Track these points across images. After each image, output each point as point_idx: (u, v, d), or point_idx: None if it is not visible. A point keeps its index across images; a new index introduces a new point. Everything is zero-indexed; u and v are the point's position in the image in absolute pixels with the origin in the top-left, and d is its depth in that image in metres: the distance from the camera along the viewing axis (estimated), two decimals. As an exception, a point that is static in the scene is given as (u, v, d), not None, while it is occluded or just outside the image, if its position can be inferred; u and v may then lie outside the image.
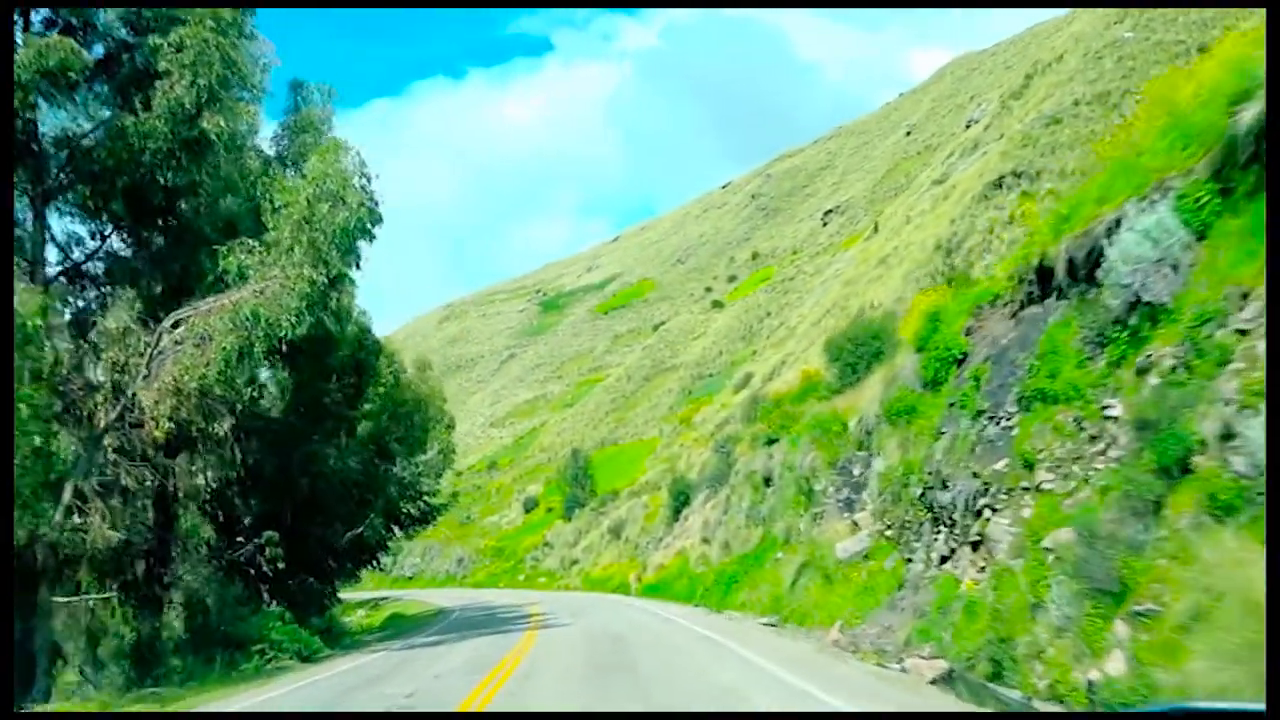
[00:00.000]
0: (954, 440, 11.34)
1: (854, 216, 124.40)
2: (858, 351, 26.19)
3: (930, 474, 11.96)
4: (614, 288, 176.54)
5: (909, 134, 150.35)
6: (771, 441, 26.25)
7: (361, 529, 25.58)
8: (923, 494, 12.13)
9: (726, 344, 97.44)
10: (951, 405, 11.96)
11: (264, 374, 15.35)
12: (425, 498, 31.30)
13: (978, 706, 8.79)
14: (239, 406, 14.56)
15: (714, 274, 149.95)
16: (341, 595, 76.69)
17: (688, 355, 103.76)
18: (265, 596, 19.74)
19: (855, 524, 16.92)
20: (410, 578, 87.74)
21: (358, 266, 15.78)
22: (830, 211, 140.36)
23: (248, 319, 12.96)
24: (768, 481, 25.81)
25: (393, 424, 24.45)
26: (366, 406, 23.41)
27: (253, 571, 19.27)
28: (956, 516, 10.93)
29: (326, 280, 14.30)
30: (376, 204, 15.22)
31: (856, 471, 18.59)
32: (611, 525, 52.76)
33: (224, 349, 13.35)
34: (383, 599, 63.98)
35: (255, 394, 14.50)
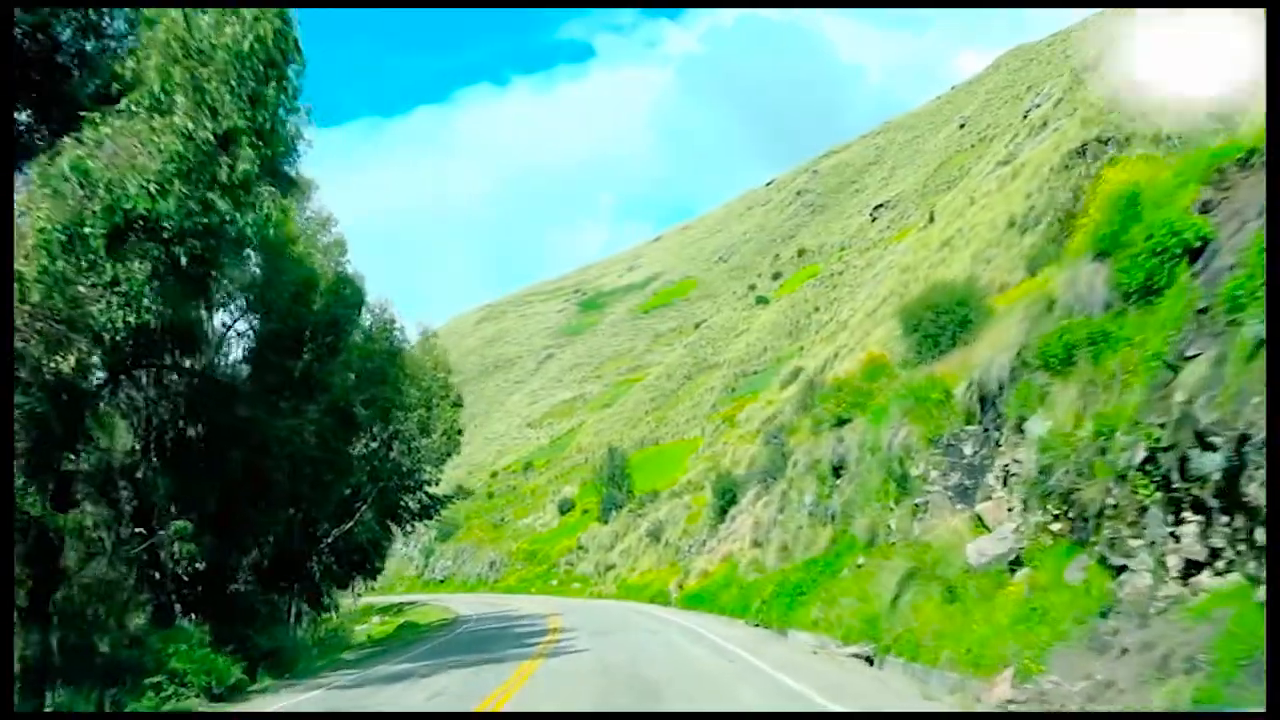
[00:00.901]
0: (1218, 365, 6.68)
1: (904, 211, 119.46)
2: (940, 320, 21.56)
3: (1162, 426, 7.26)
4: (655, 286, 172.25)
5: (962, 127, 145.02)
6: (842, 423, 21.52)
7: (351, 524, 21.28)
8: (1148, 461, 7.42)
9: (771, 340, 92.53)
10: (1203, 312, 7.27)
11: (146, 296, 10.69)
12: (425, 488, 26.96)
13: None
14: (114, 335, 10.17)
15: (758, 271, 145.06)
16: (365, 599, 72.77)
17: (731, 352, 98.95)
18: (178, 608, 15.33)
19: (978, 518, 12.25)
20: (441, 581, 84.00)
21: (275, 127, 11.35)
22: (880, 206, 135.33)
23: (80, 182, 8.60)
24: (837, 471, 21.13)
25: (371, 387, 19.64)
26: (340, 375, 18.57)
27: (157, 575, 14.92)
28: (1221, 497, 6.26)
29: (214, 137, 10.14)
30: (291, 24, 10.70)
31: (969, 451, 13.94)
32: (650, 528, 48.22)
33: (42, 231, 9.24)
34: (409, 603, 60.07)
35: (132, 317, 10.06)
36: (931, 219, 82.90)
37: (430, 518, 30.39)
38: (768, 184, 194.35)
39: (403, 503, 25.84)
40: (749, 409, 70.37)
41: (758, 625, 19.83)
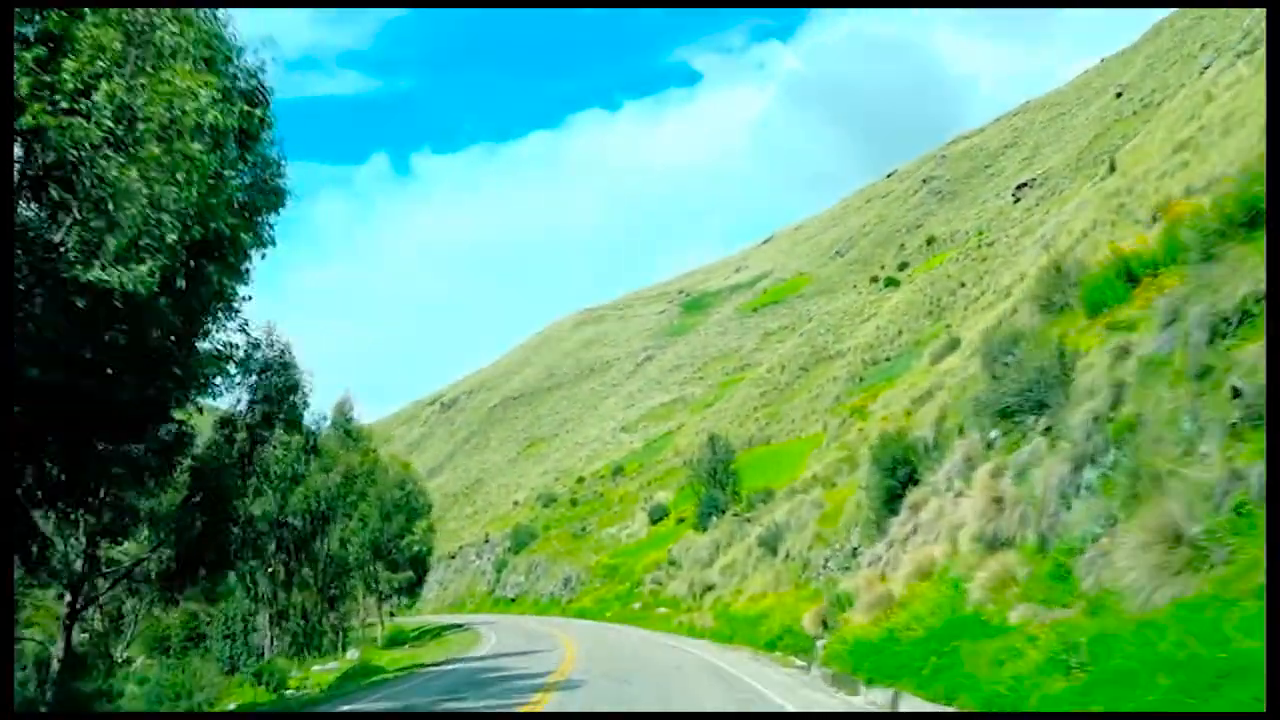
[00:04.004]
0: None
1: (1055, 187, 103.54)
2: None
3: None
4: (764, 284, 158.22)
5: (1119, 95, 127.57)
6: None
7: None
8: None
9: (907, 322, 77.73)
10: None
11: None
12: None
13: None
14: None
15: (880, 263, 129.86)
16: (413, 618, 60.70)
17: (855, 339, 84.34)
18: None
19: None
20: (512, 600, 71.78)
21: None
22: (1023, 186, 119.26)
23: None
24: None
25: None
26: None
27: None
28: None
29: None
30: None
31: None
32: (764, 534, 34.65)
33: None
34: (459, 626, 47.96)
35: None
36: (1112, 168, 67.69)
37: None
38: (888, 175, 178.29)
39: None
40: (885, 396, 56.33)
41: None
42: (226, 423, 18.23)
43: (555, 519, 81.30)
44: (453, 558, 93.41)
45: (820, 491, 35.23)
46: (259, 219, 14.77)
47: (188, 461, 16.82)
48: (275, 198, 14.99)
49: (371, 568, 45.31)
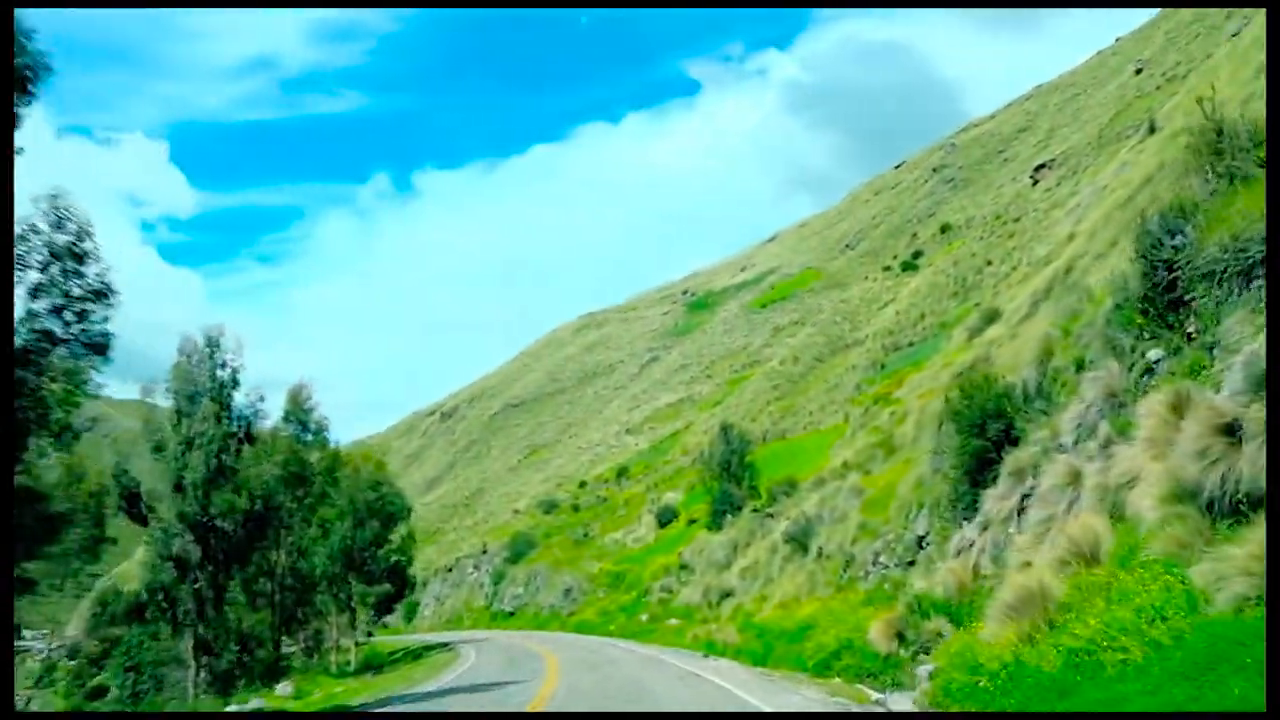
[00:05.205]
0: None
1: (1077, 165, 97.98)
2: None
3: None
4: (772, 280, 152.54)
5: (1139, 72, 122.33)
6: None
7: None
8: None
9: (930, 304, 72.15)
10: None
11: None
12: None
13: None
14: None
15: (893, 253, 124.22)
16: (401, 637, 55.18)
17: (873, 326, 78.72)
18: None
19: None
20: (511, 614, 66.09)
21: None
22: (1041, 167, 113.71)
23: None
24: None
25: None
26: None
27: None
28: None
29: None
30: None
31: None
32: (793, 529, 29.08)
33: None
34: (444, 645, 42.35)
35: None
36: (1152, 130, 62.36)
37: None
38: (896, 167, 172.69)
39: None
40: (911, 382, 50.90)
41: None
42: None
43: (556, 526, 75.70)
44: (450, 570, 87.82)
45: (857, 478, 29.70)
46: None
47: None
48: None
49: (341, 581, 39.74)
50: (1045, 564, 9.73)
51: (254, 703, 20.24)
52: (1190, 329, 11.22)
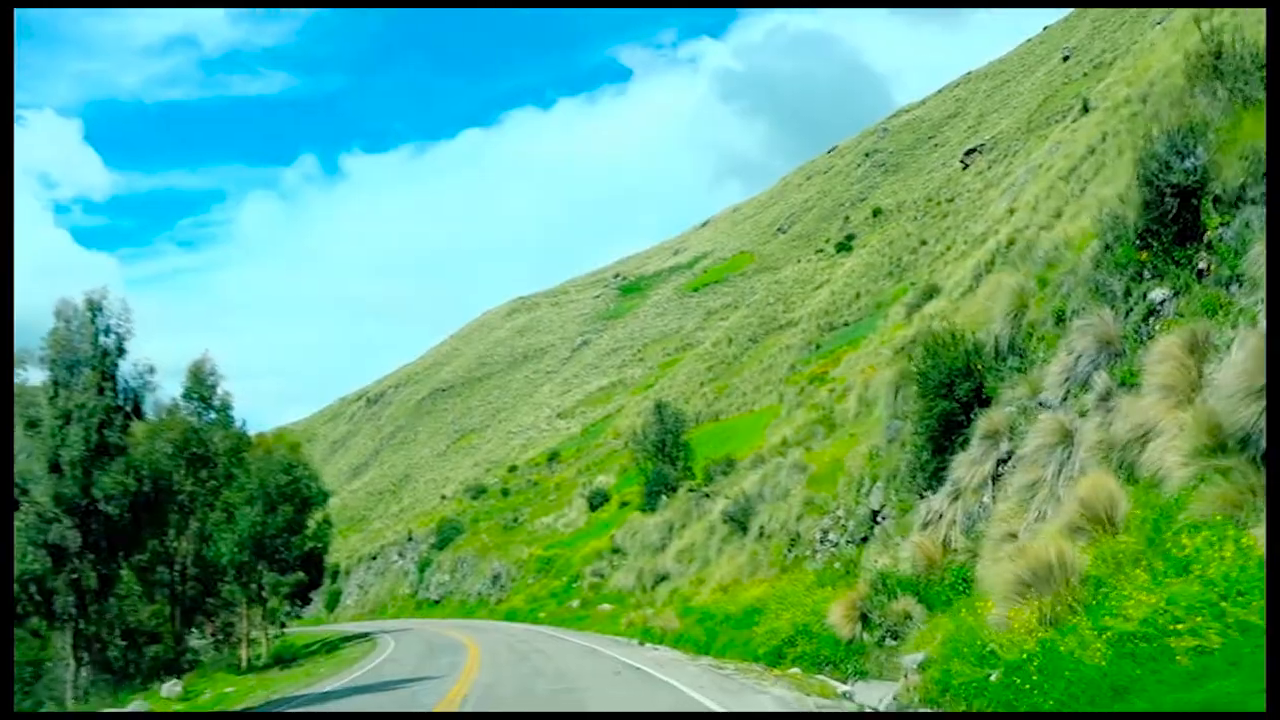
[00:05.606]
0: None
1: (1007, 149, 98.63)
2: None
3: None
4: (705, 264, 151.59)
5: (1067, 59, 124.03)
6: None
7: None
8: None
9: (865, 284, 71.51)
10: None
11: None
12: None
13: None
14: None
15: (825, 238, 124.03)
16: (319, 628, 52.53)
17: (808, 307, 77.93)
18: None
19: None
20: (437, 601, 63.82)
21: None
22: (971, 151, 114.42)
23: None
24: None
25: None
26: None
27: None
28: None
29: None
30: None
31: None
32: (731, 509, 27.55)
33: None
34: (364, 635, 40.08)
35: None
36: (1085, 109, 62.51)
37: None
38: (829, 151, 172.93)
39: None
40: (848, 360, 49.99)
41: None
42: None
43: (485, 511, 73.49)
44: (374, 558, 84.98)
45: (800, 453, 28.30)
46: None
47: None
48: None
49: (251, 570, 37.12)
50: (1055, 531, 8.21)
51: (134, 705, 18.01)
52: (1201, 264, 9.80)
